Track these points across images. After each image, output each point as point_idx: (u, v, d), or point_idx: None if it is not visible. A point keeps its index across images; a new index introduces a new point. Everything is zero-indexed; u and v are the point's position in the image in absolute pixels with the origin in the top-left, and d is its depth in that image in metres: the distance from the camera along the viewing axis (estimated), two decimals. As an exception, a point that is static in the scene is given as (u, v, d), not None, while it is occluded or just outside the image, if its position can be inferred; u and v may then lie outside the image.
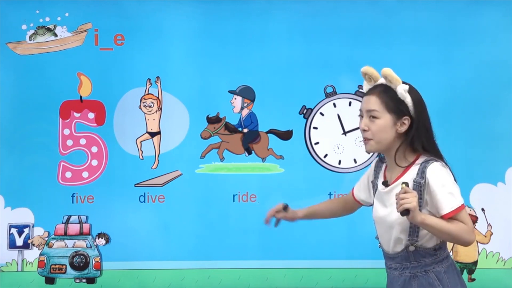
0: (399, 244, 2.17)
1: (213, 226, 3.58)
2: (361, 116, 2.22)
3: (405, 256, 2.17)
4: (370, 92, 2.21)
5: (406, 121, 2.17)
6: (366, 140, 2.19)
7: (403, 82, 2.19)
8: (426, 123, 2.20)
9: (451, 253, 3.57)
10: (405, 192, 2.01)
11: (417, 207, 2.01)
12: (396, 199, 2.04)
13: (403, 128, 2.16)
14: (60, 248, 3.58)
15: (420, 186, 2.10)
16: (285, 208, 2.54)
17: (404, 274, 2.19)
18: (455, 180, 2.16)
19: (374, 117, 2.16)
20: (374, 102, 2.17)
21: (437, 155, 2.19)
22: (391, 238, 2.18)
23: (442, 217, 2.10)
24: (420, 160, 2.16)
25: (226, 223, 3.59)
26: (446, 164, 2.18)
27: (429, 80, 3.47)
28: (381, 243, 2.28)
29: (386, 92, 2.17)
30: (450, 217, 2.09)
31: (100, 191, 3.60)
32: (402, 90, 2.16)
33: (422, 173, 2.11)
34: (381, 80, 2.22)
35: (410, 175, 2.14)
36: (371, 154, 3.56)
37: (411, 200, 2.00)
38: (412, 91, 2.18)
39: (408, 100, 2.17)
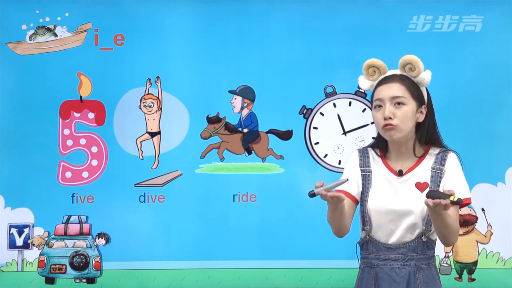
0: (410, 234, 2.15)
1: (213, 226, 3.58)
2: (378, 105, 2.14)
3: (414, 247, 2.16)
4: (388, 80, 2.16)
5: (424, 110, 2.17)
6: (390, 127, 2.10)
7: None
8: (434, 114, 2.21)
9: (450, 253, 3.57)
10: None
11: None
12: (433, 200, 1.99)
13: (421, 117, 2.15)
14: (60, 248, 3.58)
15: (441, 173, 2.13)
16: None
17: (409, 265, 2.17)
18: None
19: (401, 103, 2.11)
20: (399, 89, 2.12)
21: (444, 147, 2.22)
22: (400, 227, 2.16)
23: (464, 200, 2.10)
24: (433, 150, 2.18)
25: (226, 223, 3.59)
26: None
27: (429, 80, 3.47)
28: (377, 234, 2.21)
29: (407, 79, 2.15)
30: (466, 203, 2.12)
31: (100, 191, 3.60)
32: (429, 75, 2.15)
33: (442, 160, 2.14)
34: (393, 72, 2.20)
35: (428, 163, 2.16)
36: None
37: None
38: None
39: (424, 89, 2.19)
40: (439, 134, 2.23)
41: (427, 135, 2.19)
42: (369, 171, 2.24)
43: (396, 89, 2.13)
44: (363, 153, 2.28)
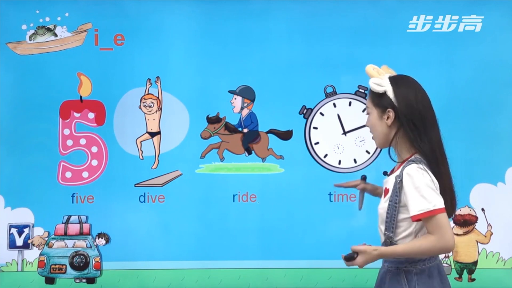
0: (382, 236, 2.23)
1: (213, 226, 3.58)
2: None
3: None
4: None
5: (391, 113, 2.19)
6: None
7: (399, 75, 2.24)
8: (413, 117, 2.17)
9: (450, 253, 3.57)
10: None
11: (366, 263, 2.18)
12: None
13: (389, 121, 2.20)
14: (60, 248, 3.59)
15: (397, 183, 2.16)
16: (364, 178, 2.59)
17: (384, 266, 2.27)
18: (443, 186, 2.18)
19: (368, 113, 2.28)
20: (367, 100, 2.30)
21: (426, 156, 2.17)
22: (379, 228, 2.27)
23: (412, 219, 2.13)
24: (411, 158, 2.18)
25: (226, 223, 3.59)
26: (424, 166, 2.15)
27: (429, 80, 3.43)
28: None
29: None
30: (419, 219, 2.12)
31: (100, 191, 3.60)
32: (371, 83, 2.24)
33: (400, 172, 2.16)
34: None
35: (398, 172, 2.19)
36: (370, 154, 3.59)
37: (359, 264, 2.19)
38: (396, 83, 2.20)
39: (390, 92, 2.19)
40: (412, 138, 2.18)
41: (408, 139, 2.19)
42: None
43: (367, 101, 2.31)
44: None
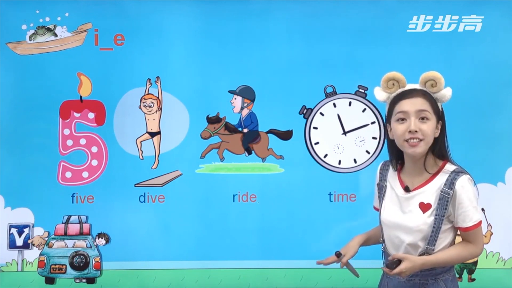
0: (413, 251, 2.18)
1: (213, 226, 3.58)
2: (402, 119, 2.18)
3: None
4: (410, 95, 2.19)
5: (439, 126, 2.21)
6: (415, 142, 2.15)
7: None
8: (445, 129, 2.26)
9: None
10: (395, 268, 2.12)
11: (410, 272, 2.11)
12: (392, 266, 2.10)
13: (437, 133, 2.20)
14: (60, 248, 3.59)
15: (448, 197, 2.13)
16: (339, 255, 2.39)
17: (413, 280, 2.20)
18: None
19: (425, 118, 2.16)
20: (423, 103, 2.17)
21: (454, 163, 2.23)
22: (404, 243, 2.19)
23: (462, 229, 2.15)
24: (448, 168, 2.18)
25: (226, 223, 3.59)
26: (471, 176, 2.21)
27: (429, 80, 3.47)
28: (387, 247, 2.27)
29: (429, 95, 2.19)
30: (469, 230, 2.14)
31: (100, 191, 3.60)
32: (450, 93, 2.19)
33: (451, 184, 2.13)
34: (413, 86, 2.23)
35: (437, 183, 2.16)
36: (370, 154, 3.58)
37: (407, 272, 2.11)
38: None
39: (440, 106, 2.23)
40: (448, 149, 2.25)
41: (438, 151, 2.21)
42: (384, 185, 2.30)
43: (421, 103, 2.16)
44: (384, 165, 2.36)
